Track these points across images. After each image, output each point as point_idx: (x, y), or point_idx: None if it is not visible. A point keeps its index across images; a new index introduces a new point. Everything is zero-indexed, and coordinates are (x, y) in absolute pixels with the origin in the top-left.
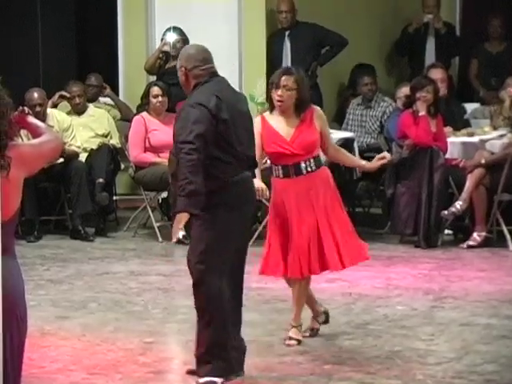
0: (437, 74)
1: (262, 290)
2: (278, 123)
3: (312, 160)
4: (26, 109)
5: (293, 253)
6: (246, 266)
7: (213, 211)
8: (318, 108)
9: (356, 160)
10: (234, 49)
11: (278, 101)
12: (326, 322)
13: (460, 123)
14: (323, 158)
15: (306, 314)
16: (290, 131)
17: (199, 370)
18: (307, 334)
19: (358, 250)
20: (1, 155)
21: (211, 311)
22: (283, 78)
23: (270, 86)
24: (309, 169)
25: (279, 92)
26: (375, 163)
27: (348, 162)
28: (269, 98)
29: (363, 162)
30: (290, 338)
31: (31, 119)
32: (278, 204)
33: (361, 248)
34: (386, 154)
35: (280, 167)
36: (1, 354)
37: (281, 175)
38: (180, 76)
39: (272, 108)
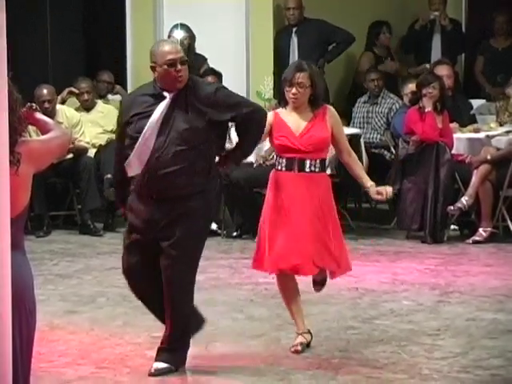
0: (443, 71)
1: (269, 284)
2: (290, 118)
3: (318, 161)
4: (33, 105)
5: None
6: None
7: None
8: (332, 108)
9: (364, 178)
10: (242, 45)
11: (293, 98)
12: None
13: (466, 119)
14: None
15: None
16: (300, 126)
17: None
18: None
19: (340, 261)
20: (10, 151)
21: None
22: (297, 75)
23: (283, 82)
24: (312, 168)
25: (293, 90)
26: (374, 195)
27: (355, 174)
28: (281, 94)
29: (369, 184)
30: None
31: (39, 115)
32: (275, 198)
33: (344, 260)
34: (387, 189)
35: (284, 160)
36: (10, 347)
37: (283, 168)
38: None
39: (285, 104)
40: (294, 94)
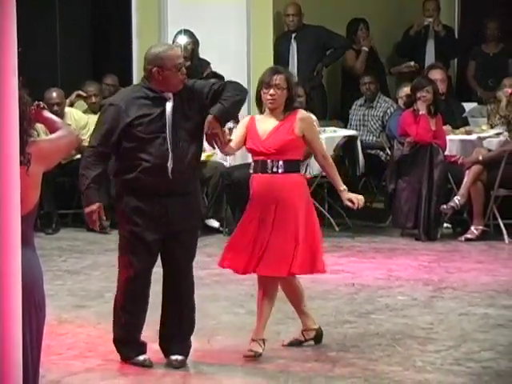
0: (436, 75)
1: None
2: (262, 122)
3: (281, 162)
4: (41, 103)
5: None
6: None
7: None
8: (304, 112)
9: (337, 181)
10: (243, 49)
11: (270, 100)
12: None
13: (459, 122)
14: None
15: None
16: (267, 130)
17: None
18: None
19: (311, 262)
20: (21, 152)
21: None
22: (274, 77)
23: (261, 85)
24: (274, 169)
25: (271, 91)
26: (345, 201)
27: (329, 176)
28: (258, 99)
29: (342, 188)
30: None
31: (47, 114)
32: (251, 198)
33: (316, 261)
34: (359, 198)
35: (253, 163)
36: (20, 339)
37: (251, 170)
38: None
39: (263, 109)
40: (271, 95)
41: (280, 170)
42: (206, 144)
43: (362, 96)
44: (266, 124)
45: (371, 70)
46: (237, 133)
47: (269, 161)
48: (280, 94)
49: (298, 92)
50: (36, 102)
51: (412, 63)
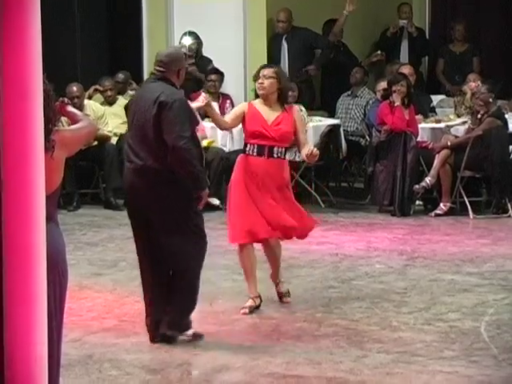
0: (405, 70)
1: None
2: (262, 108)
3: (283, 149)
4: (65, 99)
5: (274, 219)
6: None
7: None
8: (297, 107)
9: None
10: (240, 50)
11: (260, 88)
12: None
13: (428, 111)
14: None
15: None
16: (271, 117)
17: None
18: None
19: (303, 226)
20: (46, 139)
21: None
22: (262, 70)
23: (254, 79)
24: (279, 154)
25: (260, 80)
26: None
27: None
28: (254, 92)
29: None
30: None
31: (70, 108)
32: (245, 178)
33: (306, 224)
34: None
35: (256, 146)
36: (45, 303)
37: (255, 153)
38: None
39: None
40: (260, 84)
41: (282, 156)
42: (207, 132)
43: (348, 89)
44: (268, 110)
45: (347, 63)
46: (233, 112)
47: (275, 147)
48: (268, 83)
49: (290, 86)
50: (61, 99)
51: (379, 52)
